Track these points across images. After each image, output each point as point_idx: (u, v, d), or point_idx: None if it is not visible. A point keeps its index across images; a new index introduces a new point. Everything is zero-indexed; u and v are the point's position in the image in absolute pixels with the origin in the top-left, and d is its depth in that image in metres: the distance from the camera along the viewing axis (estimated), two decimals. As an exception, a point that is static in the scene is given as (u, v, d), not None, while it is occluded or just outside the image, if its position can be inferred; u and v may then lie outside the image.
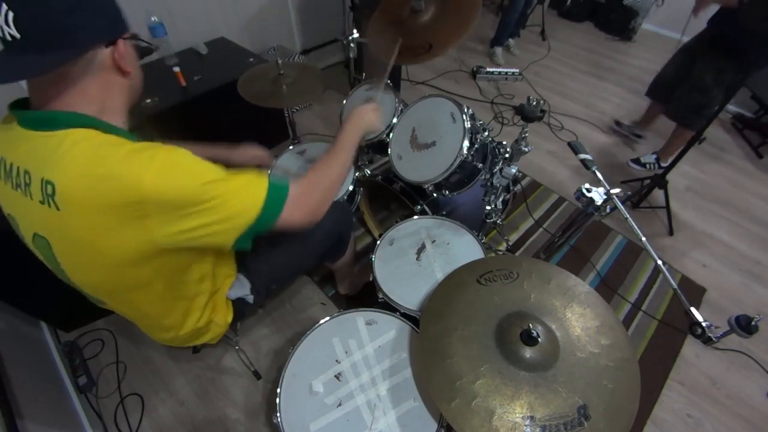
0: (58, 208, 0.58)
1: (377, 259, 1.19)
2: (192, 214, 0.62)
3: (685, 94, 1.92)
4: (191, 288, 0.83)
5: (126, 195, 0.57)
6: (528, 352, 0.79)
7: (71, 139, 0.59)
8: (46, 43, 0.55)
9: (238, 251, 0.99)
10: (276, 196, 0.71)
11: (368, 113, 1.02)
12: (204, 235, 0.65)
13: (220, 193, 0.63)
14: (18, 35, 0.53)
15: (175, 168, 0.61)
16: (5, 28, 0.53)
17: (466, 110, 1.24)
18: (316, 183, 0.82)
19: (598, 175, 0.97)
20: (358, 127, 0.98)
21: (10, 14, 0.52)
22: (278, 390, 0.90)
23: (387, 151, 1.41)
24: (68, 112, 0.60)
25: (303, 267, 1.20)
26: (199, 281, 0.84)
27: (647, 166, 2.24)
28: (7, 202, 0.68)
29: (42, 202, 0.59)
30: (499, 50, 3.13)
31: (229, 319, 0.99)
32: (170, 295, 0.79)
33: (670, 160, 1.83)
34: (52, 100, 0.60)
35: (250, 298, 1.02)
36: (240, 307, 1.02)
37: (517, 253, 1.83)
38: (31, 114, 0.61)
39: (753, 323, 0.70)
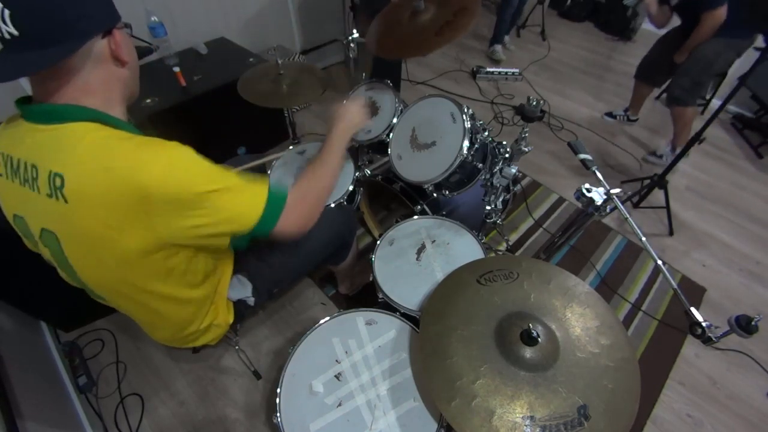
0: (66, 201, 0.59)
1: (377, 259, 1.19)
2: (194, 212, 0.63)
3: (679, 77, 2.00)
4: (194, 287, 0.83)
5: (132, 188, 0.57)
6: (528, 352, 0.79)
7: (78, 132, 0.60)
8: (45, 39, 0.55)
9: (239, 253, 0.99)
10: (274, 206, 0.72)
11: (356, 113, 1.00)
12: (203, 235, 0.66)
13: (221, 194, 0.65)
14: (16, 33, 0.53)
15: (182, 165, 0.61)
16: (3, 27, 0.53)
17: (466, 110, 1.24)
18: (310, 192, 0.83)
19: (598, 175, 0.97)
20: (347, 130, 0.97)
21: (7, 12, 0.52)
22: (278, 390, 0.90)
23: (387, 151, 1.41)
24: (73, 105, 0.61)
25: (306, 270, 1.19)
26: (202, 280, 0.84)
27: (663, 157, 2.26)
28: (14, 201, 0.68)
29: (50, 196, 0.60)
30: (498, 47, 3.14)
31: (230, 320, 0.99)
32: (173, 293, 0.79)
33: (682, 147, 1.88)
34: (55, 94, 0.60)
35: (251, 300, 1.02)
36: (240, 308, 1.02)
37: (517, 253, 1.83)
38: (37, 107, 0.62)
39: (753, 323, 0.70)
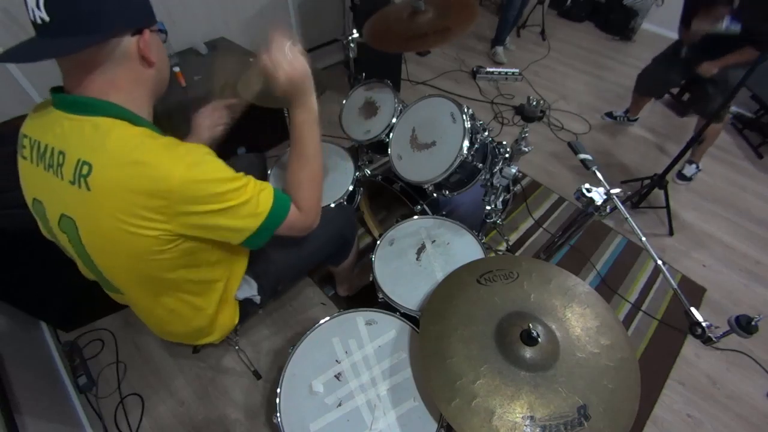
0: (89, 189, 0.61)
1: (377, 259, 1.19)
2: (209, 206, 0.66)
3: (714, 96, 1.94)
4: (207, 282, 0.85)
5: (156, 184, 0.60)
6: (528, 352, 0.79)
7: (109, 126, 0.63)
8: (74, 27, 0.58)
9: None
10: (281, 201, 0.77)
11: (295, 66, 0.80)
12: (215, 225, 0.69)
13: (235, 193, 0.69)
14: (47, 18, 0.56)
15: (204, 167, 0.65)
16: (36, 11, 0.56)
17: (466, 110, 1.24)
18: (310, 186, 0.85)
19: (598, 175, 0.97)
20: (305, 101, 0.85)
21: None
22: (278, 390, 0.90)
23: (387, 151, 1.41)
24: (105, 100, 0.63)
25: (307, 267, 1.20)
26: (215, 279, 0.86)
27: (692, 178, 2.22)
28: (36, 185, 0.71)
29: (72, 182, 0.62)
30: (500, 49, 3.13)
31: (236, 319, 1.00)
32: (186, 287, 0.80)
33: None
34: (83, 85, 0.63)
35: (257, 299, 1.03)
36: (246, 307, 1.03)
37: (517, 253, 1.83)
38: (71, 97, 0.64)
39: (753, 323, 0.70)
